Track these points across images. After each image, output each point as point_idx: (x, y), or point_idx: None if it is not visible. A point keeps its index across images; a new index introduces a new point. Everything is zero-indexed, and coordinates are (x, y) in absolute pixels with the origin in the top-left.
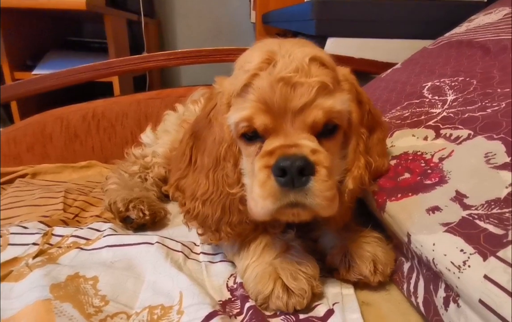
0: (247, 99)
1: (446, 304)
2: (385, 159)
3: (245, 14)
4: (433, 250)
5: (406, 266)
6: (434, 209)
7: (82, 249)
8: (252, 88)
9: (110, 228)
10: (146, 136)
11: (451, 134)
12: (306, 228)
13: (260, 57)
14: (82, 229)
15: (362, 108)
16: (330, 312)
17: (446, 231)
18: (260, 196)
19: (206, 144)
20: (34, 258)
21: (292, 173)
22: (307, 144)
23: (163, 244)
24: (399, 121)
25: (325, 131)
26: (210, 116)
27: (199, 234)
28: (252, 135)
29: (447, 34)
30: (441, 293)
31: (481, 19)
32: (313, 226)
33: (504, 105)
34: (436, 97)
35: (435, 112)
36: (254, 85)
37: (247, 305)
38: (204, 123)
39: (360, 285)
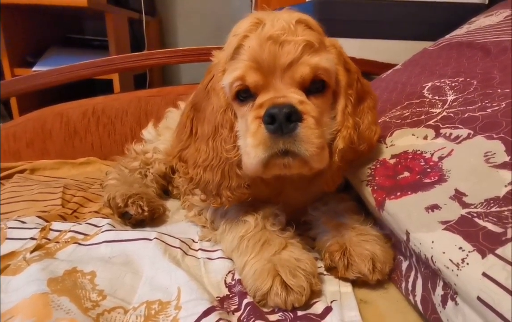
0: (239, 60)
1: (444, 302)
2: (376, 127)
3: (247, 13)
4: (432, 248)
5: (405, 264)
6: (433, 207)
7: (80, 244)
8: (243, 49)
9: (108, 224)
10: (148, 132)
11: (451, 134)
12: (305, 225)
13: (249, 22)
14: (80, 224)
15: (350, 76)
16: (328, 310)
17: (445, 229)
18: (252, 145)
19: (205, 114)
20: (31, 252)
21: (280, 119)
22: (295, 96)
23: (161, 240)
24: (399, 120)
25: (314, 88)
26: (208, 88)
27: (202, 200)
28: (245, 96)
29: (447, 36)
30: (439, 291)
31: (481, 21)
32: (312, 223)
33: (504, 105)
34: (436, 97)
35: (435, 112)
36: (244, 46)
37: (245, 301)
38: (203, 95)
39: (358, 283)
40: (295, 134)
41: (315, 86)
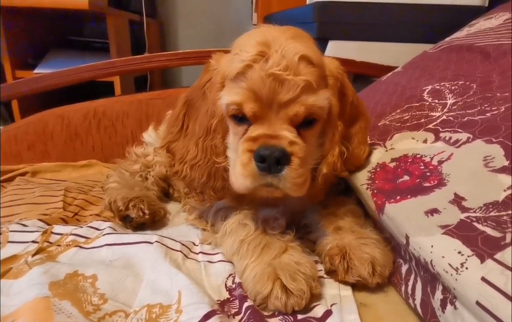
0: (239, 86)
1: (443, 306)
2: (365, 147)
3: (247, 15)
4: (431, 252)
5: (404, 268)
6: (433, 211)
7: (81, 247)
8: (245, 77)
9: (109, 227)
10: (148, 135)
11: (450, 138)
12: (305, 229)
13: (255, 48)
14: (81, 227)
15: (345, 100)
16: (328, 313)
17: (444, 233)
18: (241, 174)
19: (198, 113)
20: (33, 255)
21: (270, 162)
22: (287, 136)
23: (162, 243)
24: (399, 124)
25: (305, 122)
26: (205, 89)
27: (185, 193)
28: (241, 117)
29: (447, 39)
30: (438, 295)
31: (481, 24)
32: (312, 227)
33: (503, 109)
34: (436, 101)
35: (435, 115)
36: (247, 75)
37: (246, 305)
38: (199, 94)
39: (358, 286)
40: (281, 174)
41: (307, 120)
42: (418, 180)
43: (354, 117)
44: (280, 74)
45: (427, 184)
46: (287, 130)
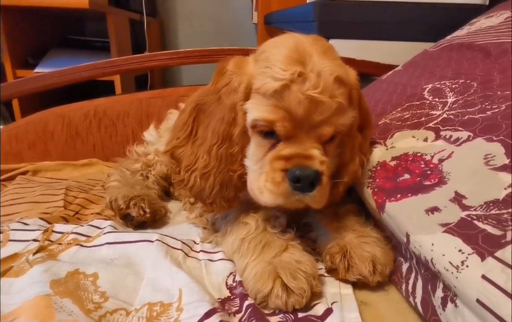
0: (272, 104)
1: (444, 304)
2: (367, 150)
3: (247, 14)
4: (432, 250)
5: (405, 266)
6: (433, 210)
7: (82, 246)
8: (280, 96)
9: (110, 226)
10: (149, 134)
11: (451, 136)
12: (306, 227)
13: (289, 66)
14: (82, 226)
15: (361, 111)
16: (328, 311)
17: (445, 231)
18: (271, 192)
19: (211, 119)
20: (34, 254)
21: (305, 183)
22: (317, 156)
23: (163, 242)
24: (400, 122)
25: (329, 139)
26: (221, 94)
27: (191, 203)
28: (268, 132)
29: (448, 37)
30: (439, 293)
31: (482, 22)
32: (313, 225)
33: (504, 107)
34: (437, 99)
35: (436, 114)
36: (283, 94)
37: (246, 303)
38: (213, 98)
39: (359, 285)
40: (311, 193)
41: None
42: (419, 178)
43: (363, 125)
44: (317, 97)
45: (427, 182)
46: (316, 149)
